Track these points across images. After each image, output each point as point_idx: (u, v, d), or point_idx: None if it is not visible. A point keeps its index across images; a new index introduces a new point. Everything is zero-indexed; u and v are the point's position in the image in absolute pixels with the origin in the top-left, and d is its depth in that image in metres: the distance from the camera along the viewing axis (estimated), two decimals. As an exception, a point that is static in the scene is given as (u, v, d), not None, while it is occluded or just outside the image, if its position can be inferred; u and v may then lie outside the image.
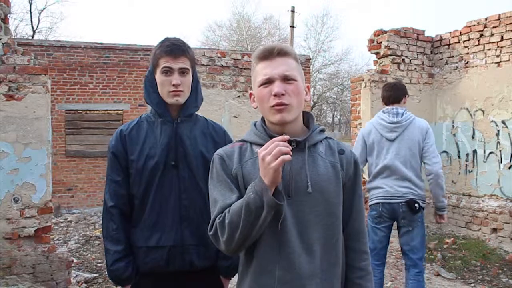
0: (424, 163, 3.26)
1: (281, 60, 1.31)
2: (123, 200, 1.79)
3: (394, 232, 6.14)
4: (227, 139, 1.92)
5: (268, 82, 1.30)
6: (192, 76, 1.84)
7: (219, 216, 1.29)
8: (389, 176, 3.23)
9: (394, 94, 3.35)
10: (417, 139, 3.22)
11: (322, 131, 1.42)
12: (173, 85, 1.74)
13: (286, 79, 1.30)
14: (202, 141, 1.84)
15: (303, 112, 1.39)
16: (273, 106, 1.29)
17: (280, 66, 1.30)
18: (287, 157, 1.17)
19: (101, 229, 1.88)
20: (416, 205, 3.16)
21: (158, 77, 1.78)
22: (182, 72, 1.76)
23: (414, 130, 3.23)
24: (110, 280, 1.89)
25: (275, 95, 1.28)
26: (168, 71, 1.75)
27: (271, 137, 1.32)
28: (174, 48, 1.75)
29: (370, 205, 3.35)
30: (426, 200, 3.33)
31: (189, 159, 1.80)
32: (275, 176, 1.18)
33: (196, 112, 1.92)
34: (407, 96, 3.42)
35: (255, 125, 1.42)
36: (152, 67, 1.82)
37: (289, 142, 1.28)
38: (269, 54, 1.31)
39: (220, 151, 1.40)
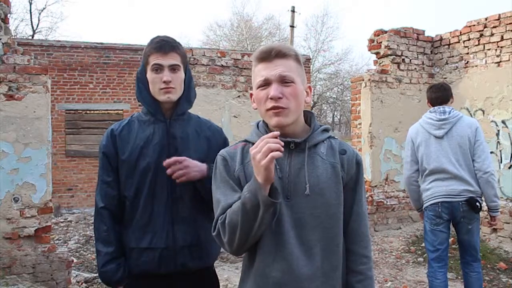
0: (473, 160, 3.19)
1: (279, 62, 1.28)
2: (114, 201, 1.76)
3: (395, 232, 6.01)
4: (223, 138, 1.89)
5: (266, 84, 1.28)
6: (185, 73, 1.78)
7: (221, 216, 1.28)
8: (440, 175, 3.20)
9: (442, 95, 3.35)
10: (466, 135, 3.17)
11: (326, 130, 1.39)
12: (164, 81, 1.69)
13: (283, 81, 1.27)
14: (195, 140, 1.80)
15: (304, 111, 1.38)
16: (269, 109, 1.27)
17: (278, 68, 1.27)
18: (277, 153, 1.15)
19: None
20: (477, 203, 3.15)
21: (149, 75, 1.73)
22: (173, 68, 1.71)
23: (463, 126, 3.19)
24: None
25: (271, 98, 1.26)
26: (158, 68, 1.70)
27: None
28: (163, 44, 1.71)
29: (426, 207, 3.31)
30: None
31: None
32: (266, 174, 1.16)
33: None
34: (453, 96, 3.43)
35: (257, 125, 1.40)
36: (143, 66, 1.78)
37: (288, 143, 1.27)
38: (267, 56, 1.29)
39: (223, 152, 1.39)
